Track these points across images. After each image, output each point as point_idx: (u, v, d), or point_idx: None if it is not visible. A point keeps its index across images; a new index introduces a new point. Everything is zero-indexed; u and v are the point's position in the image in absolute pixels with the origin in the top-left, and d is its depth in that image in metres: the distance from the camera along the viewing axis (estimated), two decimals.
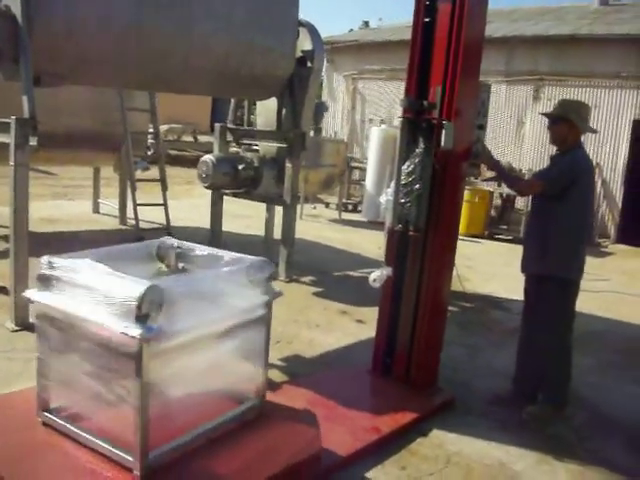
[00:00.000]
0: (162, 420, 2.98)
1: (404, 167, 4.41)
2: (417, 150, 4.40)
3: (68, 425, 3.23)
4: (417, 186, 4.35)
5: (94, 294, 2.94)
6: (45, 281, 3.20)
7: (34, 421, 3.36)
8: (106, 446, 3.04)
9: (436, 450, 4.04)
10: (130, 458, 2.93)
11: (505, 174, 5.23)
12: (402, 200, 4.40)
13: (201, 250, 3.85)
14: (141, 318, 2.76)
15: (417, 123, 4.45)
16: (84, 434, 3.15)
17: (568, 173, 4.42)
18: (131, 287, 2.84)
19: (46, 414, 3.33)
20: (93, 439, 3.11)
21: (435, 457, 3.96)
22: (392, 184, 4.50)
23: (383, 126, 11.92)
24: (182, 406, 3.11)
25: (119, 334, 2.79)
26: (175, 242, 3.94)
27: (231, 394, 3.56)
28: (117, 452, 2.99)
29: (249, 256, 3.62)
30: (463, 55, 4.25)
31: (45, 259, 3.22)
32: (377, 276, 4.51)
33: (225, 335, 3.35)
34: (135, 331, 2.75)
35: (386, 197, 4.54)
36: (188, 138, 23.30)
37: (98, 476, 2.96)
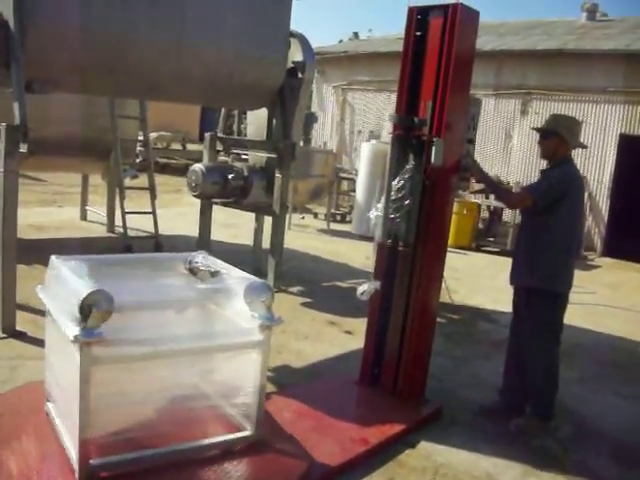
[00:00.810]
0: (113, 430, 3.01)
1: (394, 183, 4.44)
2: (407, 166, 4.44)
3: (55, 419, 3.37)
4: (407, 202, 4.39)
5: (63, 294, 3.04)
6: (48, 280, 3.35)
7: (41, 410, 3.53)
8: (67, 445, 3.13)
9: (424, 461, 4.05)
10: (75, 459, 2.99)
11: (495, 187, 5.28)
12: (392, 215, 4.43)
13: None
14: (82, 320, 2.78)
15: (407, 139, 4.49)
16: (59, 429, 3.28)
17: (558, 187, 4.46)
18: (79, 289, 2.88)
19: (49, 405, 3.50)
20: (61, 435, 3.23)
21: (423, 469, 3.96)
22: (382, 199, 4.53)
23: (373, 141, 11.97)
24: (143, 421, 3.13)
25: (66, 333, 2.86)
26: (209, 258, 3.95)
27: (212, 419, 3.49)
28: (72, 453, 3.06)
29: (249, 276, 3.60)
30: (454, 69, 4.29)
31: (53, 258, 3.38)
32: (365, 289, 4.53)
33: (199, 354, 3.33)
34: (72, 331, 2.77)
35: (376, 212, 4.56)
36: (177, 146, 23.27)
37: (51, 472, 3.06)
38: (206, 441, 3.40)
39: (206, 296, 3.59)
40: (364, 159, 11.18)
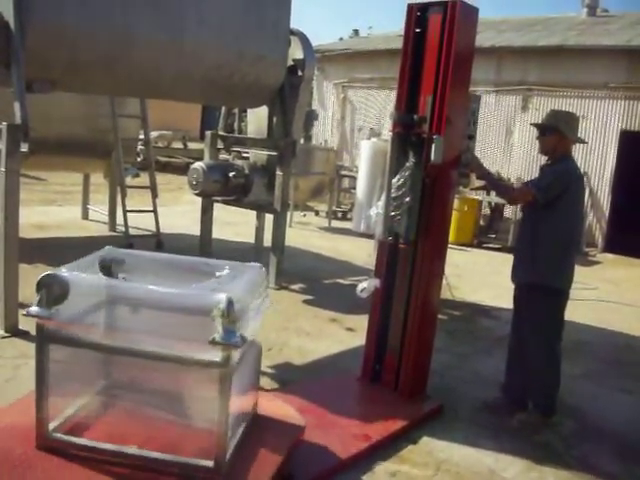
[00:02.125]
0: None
1: (394, 180, 4.45)
2: (407, 164, 4.45)
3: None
4: (407, 199, 4.40)
5: None
6: None
7: None
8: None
9: (426, 457, 4.06)
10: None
11: (495, 183, 5.28)
12: (392, 213, 4.44)
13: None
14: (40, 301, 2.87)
15: (407, 137, 4.49)
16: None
17: (558, 182, 4.46)
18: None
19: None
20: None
21: (425, 464, 3.98)
22: (382, 197, 4.54)
23: (373, 139, 11.97)
24: None
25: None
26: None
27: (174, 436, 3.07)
28: None
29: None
30: (454, 66, 4.29)
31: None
32: (365, 287, 4.54)
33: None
34: (33, 309, 2.87)
35: (376, 210, 4.56)
36: (178, 145, 23.27)
37: None
38: (162, 455, 2.95)
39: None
40: (364, 157, 11.18)
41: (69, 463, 2.91)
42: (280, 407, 3.76)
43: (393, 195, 4.44)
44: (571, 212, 4.55)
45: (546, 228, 4.51)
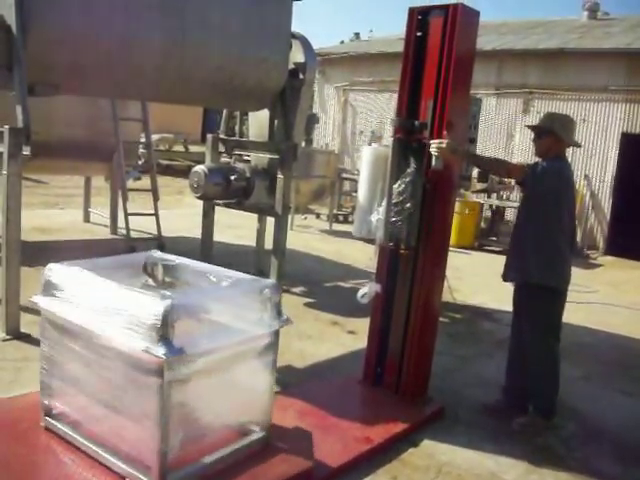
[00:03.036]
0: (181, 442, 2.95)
1: (395, 186, 4.47)
2: (408, 170, 4.46)
3: (70, 432, 3.27)
4: (408, 205, 4.42)
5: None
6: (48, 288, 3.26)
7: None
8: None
9: (427, 460, 4.06)
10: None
11: (488, 163, 5.15)
12: (393, 219, 4.45)
13: (193, 265, 3.79)
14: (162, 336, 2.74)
15: (408, 143, 4.50)
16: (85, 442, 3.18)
17: (548, 177, 4.43)
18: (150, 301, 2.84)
19: (49, 419, 3.39)
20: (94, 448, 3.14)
21: (426, 467, 3.98)
22: (383, 202, 4.54)
23: (374, 145, 11.97)
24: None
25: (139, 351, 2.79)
26: (163, 256, 3.87)
27: (234, 425, 3.39)
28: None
29: (257, 278, 3.60)
30: (455, 69, 4.31)
31: (49, 267, 3.30)
32: (365, 292, 4.56)
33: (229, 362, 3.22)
34: (157, 350, 2.72)
35: (377, 216, 4.57)
36: (179, 148, 23.30)
37: None
38: (227, 450, 3.28)
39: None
40: (365, 162, 11.19)
41: None
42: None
43: (394, 201, 4.45)
44: (562, 211, 4.53)
45: (538, 228, 4.51)
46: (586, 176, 13.46)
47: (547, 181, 4.43)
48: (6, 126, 5.20)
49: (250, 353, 3.35)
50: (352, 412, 4.55)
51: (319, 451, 3.65)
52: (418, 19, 4.52)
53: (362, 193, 11.20)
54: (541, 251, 4.50)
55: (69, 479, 3.08)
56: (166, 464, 2.85)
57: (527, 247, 4.55)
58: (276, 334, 3.48)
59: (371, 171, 10.26)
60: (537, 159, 4.68)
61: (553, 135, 4.55)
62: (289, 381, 5.07)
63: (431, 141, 4.28)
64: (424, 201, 4.45)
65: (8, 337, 5.38)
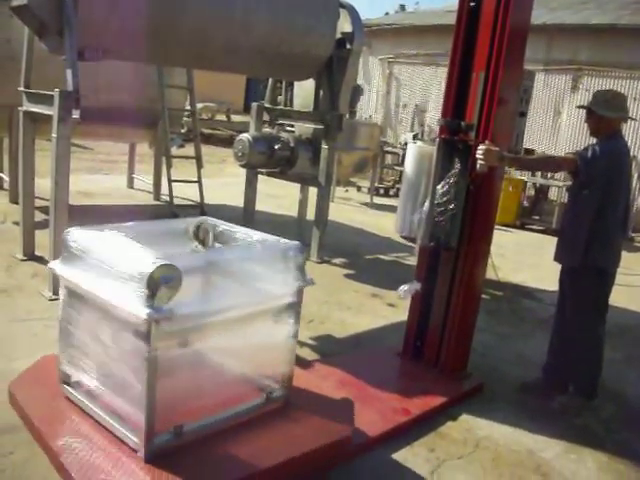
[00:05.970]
0: (171, 403, 2.94)
1: (439, 187, 4.43)
2: (452, 170, 4.41)
3: (84, 400, 3.27)
4: (451, 206, 4.38)
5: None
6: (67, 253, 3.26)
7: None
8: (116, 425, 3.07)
9: (465, 434, 4.07)
10: (136, 440, 2.95)
11: (534, 164, 5.10)
12: (436, 219, 4.42)
13: (237, 230, 3.80)
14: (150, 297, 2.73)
15: (453, 143, 4.45)
16: (97, 410, 3.20)
17: (600, 159, 4.32)
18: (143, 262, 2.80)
19: (66, 387, 3.40)
20: (104, 417, 3.15)
21: (464, 441, 3.99)
22: (426, 202, 4.51)
23: (419, 143, 11.80)
24: (194, 390, 3.04)
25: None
26: (213, 221, 3.91)
27: (253, 382, 3.43)
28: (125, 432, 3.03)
29: (284, 239, 3.56)
30: (509, 40, 4.20)
31: (68, 231, 3.31)
32: (406, 289, 4.58)
33: (245, 320, 3.23)
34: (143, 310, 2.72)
35: (419, 215, 4.54)
36: (221, 117, 23.37)
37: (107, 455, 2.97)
38: (243, 406, 3.34)
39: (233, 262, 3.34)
40: (409, 160, 11.03)
41: None
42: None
43: (437, 201, 4.42)
44: (614, 192, 4.43)
45: (590, 209, 4.41)
46: (634, 157, 13.14)
47: (598, 164, 4.33)
48: (56, 89, 5.26)
49: (269, 312, 3.36)
50: (391, 384, 4.57)
51: (358, 420, 3.67)
52: None
53: (405, 190, 11.13)
54: (591, 232, 4.42)
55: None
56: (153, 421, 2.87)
57: (577, 228, 4.47)
58: (299, 294, 3.46)
59: (415, 169, 10.17)
60: (589, 138, 4.60)
61: (594, 113, 4.45)
62: (329, 350, 5.11)
63: (478, 147, 4.21)
64: (467, 202, 4.41)
65: (55, 297, 5.48)
